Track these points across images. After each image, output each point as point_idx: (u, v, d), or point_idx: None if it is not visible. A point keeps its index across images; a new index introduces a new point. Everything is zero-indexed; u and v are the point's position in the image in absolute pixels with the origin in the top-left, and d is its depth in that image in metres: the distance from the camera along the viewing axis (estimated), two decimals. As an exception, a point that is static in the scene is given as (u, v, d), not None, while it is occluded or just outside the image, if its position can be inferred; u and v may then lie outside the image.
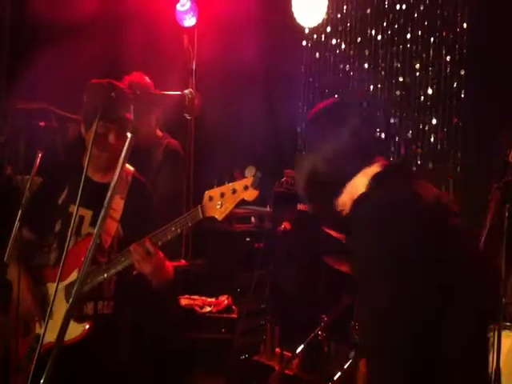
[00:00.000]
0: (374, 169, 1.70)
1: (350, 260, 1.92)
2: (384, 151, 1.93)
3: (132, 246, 2.36)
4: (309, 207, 1.85)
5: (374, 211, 1.63)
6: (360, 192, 1.69)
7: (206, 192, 2.26)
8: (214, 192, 2.24)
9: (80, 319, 2.44)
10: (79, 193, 1.85)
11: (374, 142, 1.75)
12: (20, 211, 2.31)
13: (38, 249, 2.68)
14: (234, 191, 2.20)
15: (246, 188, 2.18)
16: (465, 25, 4.14)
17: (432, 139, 4.28)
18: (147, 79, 3.47)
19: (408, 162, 4.02)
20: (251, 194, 2.18)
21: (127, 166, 2.67)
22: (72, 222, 2.04)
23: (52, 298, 2.52)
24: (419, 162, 4.31)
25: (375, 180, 1.68)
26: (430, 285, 1.56)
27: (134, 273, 2.49)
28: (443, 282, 1.56)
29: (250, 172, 2.17)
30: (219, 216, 2.23)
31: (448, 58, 4.22)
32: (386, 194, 1.65)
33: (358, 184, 1.70)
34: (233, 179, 2.23)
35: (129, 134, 1.86)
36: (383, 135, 4.45)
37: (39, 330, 2.56)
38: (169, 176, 3.44)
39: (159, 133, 3.59)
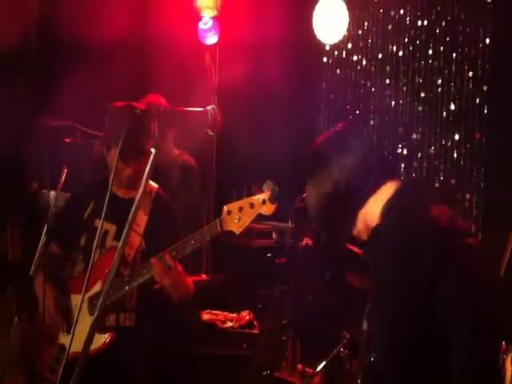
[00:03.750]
0: (386, 193, 1.70)
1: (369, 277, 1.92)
2: (394, 171, 1.93)
3: (152, 259, 2.39)
4: (322, 234, 1.85)
5: (387, 241, 1.64)
6: (374, 219, 1.70)
7: (225, 206, 2.29)
8: (232, 206, 2.26)
9: (102, 330, 2.48)
10: (104, 207, 1.89)
11: (383, 163, 1.75)
12: (46, 225, 2.35)
13: (64, 262, 2.73)
14: (252, 205, 2.22)
15: (263, 202, 2.20)
16: (487, 40, 4.12)
17: (455, 155, 4.25)
18: (163, 100, 3.54)
19: (418, 181, 3.98)
20: (269, 209, 2.20)
21: (151, 182, 2.72)
22: (97, 235, 2.08)
23: (76, 309, 2.57)
24: (442, 178, 4.28)
25: (387, 208, 1.68)
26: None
27: (156, 286, 2.51)
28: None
29: (267, 186, 2.19)
30: (237, 230, 2.26)
31: (470, 73, 4.20)
32: (397, 223, 1.65)
33: (372, 212, 1.70)
34: (251, 194, 2.24)
35: (153, 150, 1.89)
36: (405, 151, 4.45)
37: (62, 340, 2.60)
38: (187, 192, 3.51)
39: (176, 151, 3.66)
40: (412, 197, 1.70)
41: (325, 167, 1.74)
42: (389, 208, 1.67)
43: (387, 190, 1.72)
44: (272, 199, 2.18)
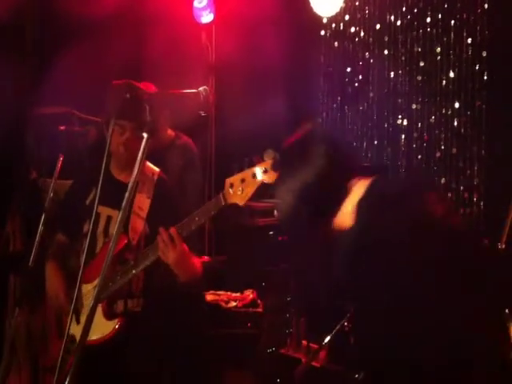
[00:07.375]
0: (356, 193, 1.70)
1: None
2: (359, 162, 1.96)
3: (160, 229, 2.38)
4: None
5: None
6: (347, 221, 1.71)
7: (227, 179, 2.27)
8: (235, 179, 2.24)
9: (111, 317, 2.50)
10: (97, 191, 1.91)
11: (349, 159, 1.77)
12: (43, 215, 2.37)
13: (72, 251, 2.74)
14: (254, 176, 2.20)
15: (265, 171, 2.18)
16: (485, 6, 4.06)
17: (455, 123, 4.21)
18: (154, 88, 3.51)
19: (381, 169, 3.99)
20: (271, 177, 2.16)
21: (152, 166, 2.71)
22: (91, 221, 2.08)
23: (85, 298, 2.59)
24: (442, 148, 4.25)
25: (360, 205, 1.69)
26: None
27: (163, 269, 2.51)
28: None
29: (268, 155, 2.16)
30: (241, 201, 2.23)
31: (469, 40, 4.14)
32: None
33: (345, 213, 1.71)
34: (252, 165, 2.22)
35: (145, 135, 1.90)
36: (405, 121, 4.41)
37: (71, 331, 2.60)
38: (193, 174, 3.50)
39: (171, 132, 3.61)
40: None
41: (292, 173, 1.75)
42: (361, 208, 1.69)
43: (357, 190, 1.72)
44: (274, 167, 2.16)
